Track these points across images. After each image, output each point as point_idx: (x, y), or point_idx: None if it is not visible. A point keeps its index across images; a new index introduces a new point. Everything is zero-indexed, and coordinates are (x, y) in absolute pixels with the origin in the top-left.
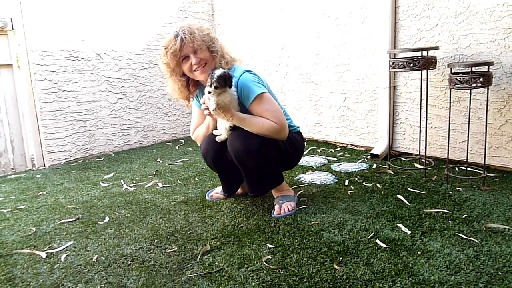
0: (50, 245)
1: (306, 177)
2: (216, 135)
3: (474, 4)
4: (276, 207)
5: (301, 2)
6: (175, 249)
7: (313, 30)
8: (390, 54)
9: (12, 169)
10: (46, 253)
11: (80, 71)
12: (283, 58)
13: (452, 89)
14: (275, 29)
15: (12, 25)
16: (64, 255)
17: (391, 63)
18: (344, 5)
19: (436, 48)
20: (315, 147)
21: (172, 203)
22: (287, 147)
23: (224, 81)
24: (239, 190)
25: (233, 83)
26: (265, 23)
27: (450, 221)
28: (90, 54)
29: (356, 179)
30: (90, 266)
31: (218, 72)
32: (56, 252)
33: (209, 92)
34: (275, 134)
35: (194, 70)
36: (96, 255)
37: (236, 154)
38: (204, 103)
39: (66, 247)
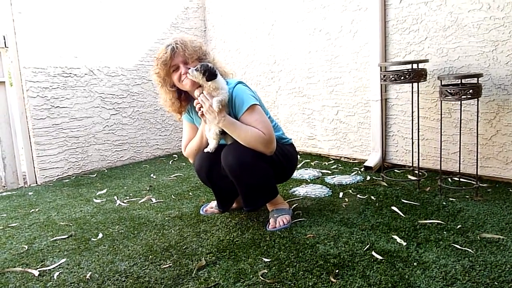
0: (42, 263)
1: (301, 190)
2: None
3: (461, 18)
4: (271, 220)
5: (292, 17)
6: (170, 264)
7: (305, 44)
8: (381, 67)
9: (4, 186)
10: (39, 271)
11: (73, 88)
12: (276, 72)
13: (443, 101)
14: (267, 44)
15: (5, 42)
16: (57, 273)
17: (382, 76)
18: (335, 19)
19: (426, 61)
20: (309, 160)
21: (166, 218)
22: (281, 159)
23: (209, 71)
24: (234, 205)
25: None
26: (257, 38)
27: (444, 232)
28: (83, 70)
29: (350, 191)
30: (83, 284)
31: (204, 64)
32: (49, 270)
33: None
34: (262, 145)
35: (182, 81)
36: (90, 272)
37: (230, 168)
38: (199, 103)
39: (59, 265)
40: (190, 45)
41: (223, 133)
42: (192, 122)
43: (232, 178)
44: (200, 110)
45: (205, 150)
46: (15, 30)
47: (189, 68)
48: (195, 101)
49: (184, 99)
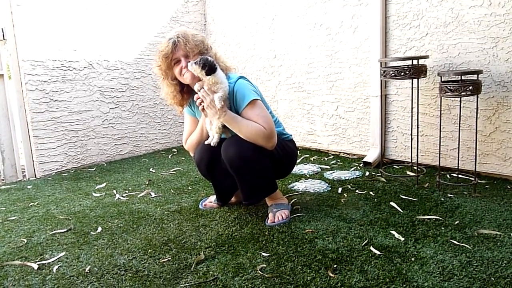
0: (42, 256)
1: (300, 185)
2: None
3: (462, 14)
4: (270, 215)
5: (293, 12)
6: (169, 258)
7: (305, 39)
8: (381, 63)
9: (3, 180)
10: (38, 264)
11: (72, 81)
12: (276, 67)
13: (442, 97)
14: (268, 38)
15: (3, 35)
16: (56, 266)
17: (382, 71)
18: (336, 14)
19: (426, 57)
20: (308, 156)
21: (165, 212)
22: (281, 155)
23: (209, 65)
24: (233, 199)
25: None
26: (258, 32)
27: (442, 228)
28: (82, 63)
29: (349, 187)
30: (83, 277)
31: (203, 57)
32: (48, 263)
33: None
34: (263, 140)
35: (183, 74)
36: (89, 266)
37: (230, 162)
38: (199, 98)
39: (58, 258)
40: (192, 39)
41: (223, 127)
42: (194, 116)
43: (231, 172)
44: (200, 105)
45: (206, 143)
46: (13, 22)
47: (189, 62)
48: (196, 96)
49: (186, 92)
